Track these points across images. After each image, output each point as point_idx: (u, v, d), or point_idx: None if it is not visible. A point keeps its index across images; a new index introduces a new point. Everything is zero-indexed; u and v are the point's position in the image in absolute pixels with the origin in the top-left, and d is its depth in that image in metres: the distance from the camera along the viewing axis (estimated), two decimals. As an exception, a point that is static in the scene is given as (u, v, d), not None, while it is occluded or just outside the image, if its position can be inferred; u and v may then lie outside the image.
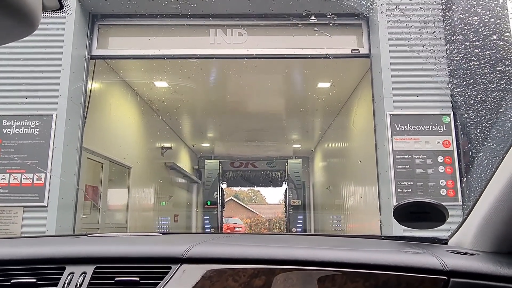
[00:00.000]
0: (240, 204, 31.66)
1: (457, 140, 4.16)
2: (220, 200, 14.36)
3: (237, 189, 30.97)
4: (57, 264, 1.05)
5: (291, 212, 13.96)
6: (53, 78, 4.28)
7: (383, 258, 0.97)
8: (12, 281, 1.01)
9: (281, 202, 30.13)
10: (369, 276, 0.93)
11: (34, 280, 1.01)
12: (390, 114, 4.28)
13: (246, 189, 32.15)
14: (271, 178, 14.92)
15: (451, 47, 4.24)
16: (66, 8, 0.73)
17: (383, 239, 1.51)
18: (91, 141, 6.28)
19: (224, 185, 15.40)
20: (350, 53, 4.94)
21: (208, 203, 13.98)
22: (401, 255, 1.00)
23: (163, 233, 1.68)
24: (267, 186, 15.56)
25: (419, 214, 1.26)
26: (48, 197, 4.03)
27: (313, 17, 4.78)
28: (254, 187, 15.49)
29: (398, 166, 4.17)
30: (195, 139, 13.45)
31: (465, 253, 1.03)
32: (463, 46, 4.18)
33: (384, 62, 4.42)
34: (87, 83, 4.76)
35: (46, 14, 0.72)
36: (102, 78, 6.24)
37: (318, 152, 13.67)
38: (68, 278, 1.01)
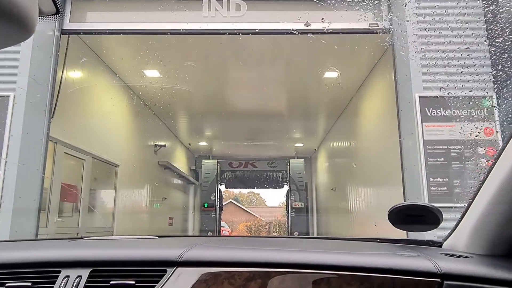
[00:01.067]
0: (240, 207, 31.07)
1: (501, 127, 3.40)
2: (218, 202, 13.60)
3: (236, 191, 31.27)
4: (52, 268, 1.05)
5: (293, 215, 13.20)
6: (11, 53, 3.54)
7: (378, 261, 0.98)
8: (7, 284, 1.03)
9: (281, 205, 29.61)
10: (364, 279, 0.93)
11: (29, 284, 1.02)
12: (419, 96, 3.53)
13: (245, 192, 32.24)
14: (272, 179, 14.15)
15: (492, 14, 3.49)
16: (62, 12, 0.75)
17: (378, 241, 1.49)
18: (69, 133, 5.53)
19: (222, 187, 14.62)
20: (368, 28, 4.20)
21: (205, 205, 13.21)
22: (396, 258, 1.02)
23: (159, 236, 1.65)
24: (267, 188, 14.79)
25: (414, 217, 1.25)
26: (1, 196, 3.27)
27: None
28: (254, 188, 14.72)
29: (431, 159, 3.42)
30: (191, 138, 12.70)
31: (459, 256, 1.05)
32: (508, 12, 3.43)
33: (411, 36, 3.68)
34: (56, 61, 4.02)
35: (43, 19, 0.72)
36: (82, 61, 5.51)
37: (322, 151, 12.91)
38: (63, 281, 1.01)
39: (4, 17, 0.55)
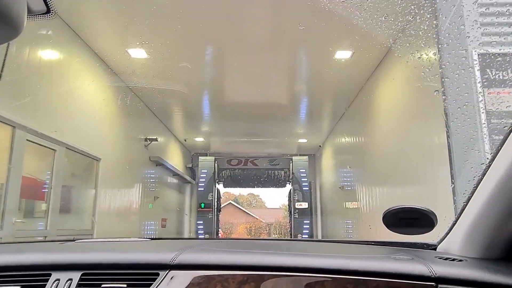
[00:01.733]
0: (239, 208, 29.85)
1: None
2: (215, 203, 12.68)
3: (236, 193, 30.51)
4: (42, 271, 1.03)
5: (296, 216, 12.29)
6: None
7: (372, 264, 0.98)
8: None
9: (282, 206, 28.47)
10: (359, 282, 0.93)
11: (19, 287, 1.01)
12: (478, 54, 2.62)
13: (245, 194, 31.41)
14: (274, 177, 13.21)
15: None
16: (53, 11, 0.73)
17: (373, 244, 1.46)
18: (35, 117, 4.64)
19: (220, 186, 13.70)
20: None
21: (202, 205, 12.31)
22: (390, 262, 1.01)
23: (152, 239, 1.63)
24: (269, 187, 13.84)
25: (409, 220, 1.25)
26: None
27: None
28: (254, 187, 13.75)
29: (497, 138, 2.51)
30: (187, 133, 11.79)
31: (454, 259, 1.04)
32: None
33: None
34: None
35: (33, 18, 0.71)
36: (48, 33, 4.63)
37: (327, 147, 12.00)
38: (54, 284, 1.00)
39: None
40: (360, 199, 8.45)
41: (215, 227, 12.50)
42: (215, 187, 12.75)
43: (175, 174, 11.72)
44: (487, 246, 1.03)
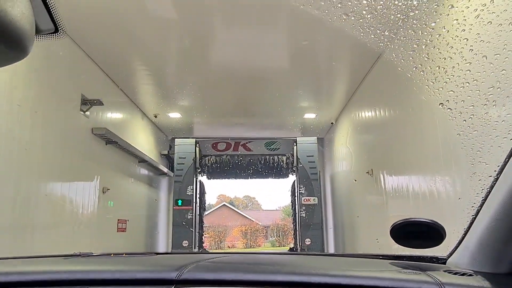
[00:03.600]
0: (234, 210, 28.07)
1: None
2: (197, 199, 9.76)
3: (232, 196, 29.14)
4: (51, 287, 1.04)
5: (303, 215, 9.39)
6: None
7: (381, 280, 0.97)
8: None
9: (279, 208, 27.45)
10: None
11: None
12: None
13: (241, 196, 30.15)
14: (273, 166, 10.26)
15: None
16: (61, 31, 0.72)
17: (381, 258, 1.44)
18: None
19: (205, 178, 10.72)
20: None
21: (179, 202, 9.38)
22: (400, 276, 1.01)
23: (157, 253, 1.60)
24: (266, 177, 10.84)
25: (417, 233, 1.22)
26: None
27: None
28: (247, 178, 10.75)
29: None
30: (159, 106, 8.87)
31: (463, 274, 1.02)
32: None
33: None
34: None
35: (41, 38, 0.71)
36: None
37: (343, 124, 9.09)
38: None
39: (1, 38, 0.53)
40: (385, 192, 5.66)
41: (197, 230, 9.55)
42: (196, 178, 9.82)
43: (142, 161, 8.81)
44: (496, 261, 1.03)
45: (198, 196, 9.90)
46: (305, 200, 9.43)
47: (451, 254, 1.22)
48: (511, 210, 0.94)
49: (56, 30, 0.70)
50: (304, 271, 1.09)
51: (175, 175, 9.73)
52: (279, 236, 25.13)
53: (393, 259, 1.39)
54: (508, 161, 0.96)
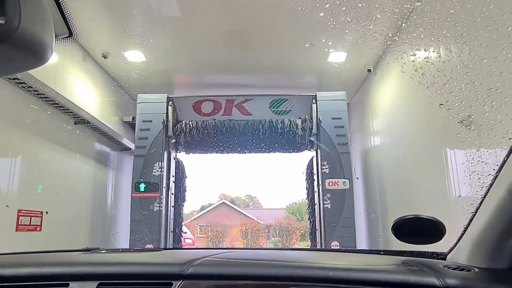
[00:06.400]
0: (234, 208, 26.91)
1: None
2: (170, 183, 6.61)
3: (233, 195, 27.97)
4: (60, 281, 1.06)
5: (328, 206, 6.25)
6: None
7: (383, 275, 1.01)
8: None
9: (282, 207, 25.84)
10: None
11: None
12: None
13: (242, 196, 28.83)
14: (281, 134, 7.03)
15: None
16: (75, 35, 0.77)
17: (382, 254, 1.52)
18: None
19: (182, 154, 7.50)
20: None
21: (142, 187, 6.25)
22: (400, 271, 1.04)
23: (164, 249, 1.63)
24: (272, 151, 7.55)
25: (418, 229, 1.25)
26: None
27: None
28: (244, 153, 7.51)
29: None
30: (111, 38, 5.74)
31: (462, 269, 1.05)
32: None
33: None
34: None
35: (57, 42, 0.71)
36: None
37: (392, 71, 5.90)
38: None
39: (22, 44, 0.54)
40: None
41: (169, 227, 6.38)
42: (168, 151, 6.65)
43: (81, 122, 5.69)
44: (495, 256, 1.04)
45: (172, 179, 6.76)
46: (330, 183, 6.29)
47: (451, 250, 1.24)
48: (509, 206, 0.96)
49: (70, 35, 0.77)
50: (308, 266, 1.14)
51: (135, 147, 6.60)
52: (282, 237, 24.00)
53: (394, 255, 1.44)
54: (507, 158, 0.98)
